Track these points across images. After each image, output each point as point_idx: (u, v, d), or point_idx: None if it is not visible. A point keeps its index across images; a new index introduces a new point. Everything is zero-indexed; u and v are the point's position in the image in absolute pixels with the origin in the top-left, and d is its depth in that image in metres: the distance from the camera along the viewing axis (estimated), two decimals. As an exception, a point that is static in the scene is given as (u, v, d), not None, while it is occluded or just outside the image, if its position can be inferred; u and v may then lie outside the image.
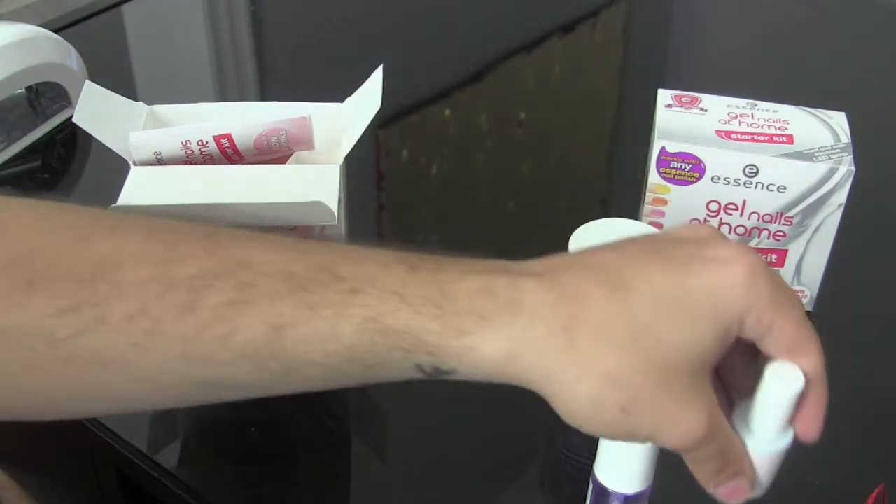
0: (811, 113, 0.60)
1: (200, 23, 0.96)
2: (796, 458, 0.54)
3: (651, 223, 0.60)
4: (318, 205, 0.50)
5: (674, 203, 0.59)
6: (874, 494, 0.48)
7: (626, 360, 0.35)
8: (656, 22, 0.74)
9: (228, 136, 0.54)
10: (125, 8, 0.94)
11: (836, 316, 0.63)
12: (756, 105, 0.61)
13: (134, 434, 0.53)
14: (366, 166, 0.76)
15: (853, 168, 0.56)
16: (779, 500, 0.52)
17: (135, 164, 0.54)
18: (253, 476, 0.53)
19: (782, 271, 0.60)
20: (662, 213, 0.60)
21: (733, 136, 0.58)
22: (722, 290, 0.36)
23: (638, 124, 0.78)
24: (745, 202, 0.58)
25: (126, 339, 0.35)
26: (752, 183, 0.57)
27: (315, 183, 0.53)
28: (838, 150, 0.57)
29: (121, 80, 0.84)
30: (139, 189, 0.52)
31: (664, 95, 0.61)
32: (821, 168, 0.56)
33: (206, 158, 0.55)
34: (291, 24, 0.94)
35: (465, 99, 0.85)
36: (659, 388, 0.35)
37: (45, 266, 0.36)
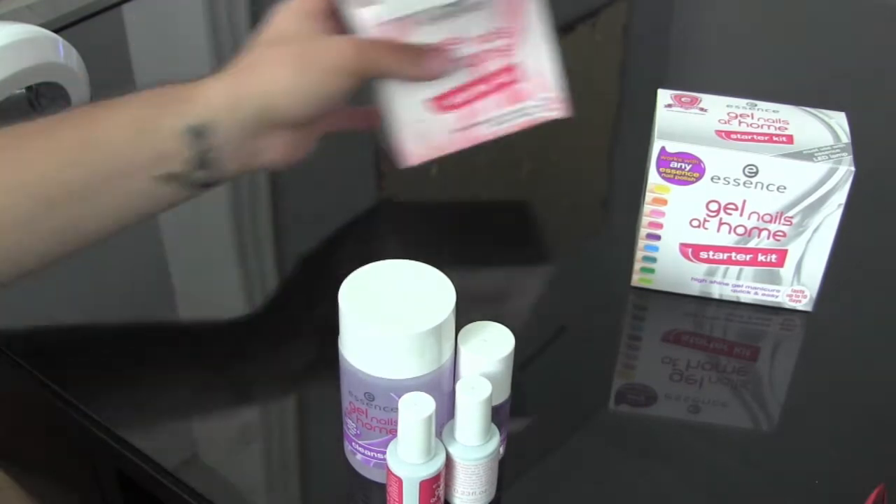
0: (811, 113, 0.60)
1: (200, 23, 0.96)
2: (796, 457, 0.54)
3: (651, 223, 0.60)
4: None
5: (673, 203, 0.59)
6: (874, 494, 0.48)
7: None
8: (656, 22, 0.74)
9: None
10: (125, 8, 0.94)
11: (837, 316, 0.63)
12: (756, 105, 0.61)
13: (134, 434, 0.53)
14: (366, 166, 0.76)
15: (853, 168, 0.56)
16: (779, 499, 0.52)
17: None
18: (253, 476, 0.53)
19: (782, 271, 0.60)
20: (662, 213, 0.60)
21: (733, 136, 0.58)
22: None
23: (638, 124, 0.78)
24: (744, 202, 0.58)
25: None
26: (751, 183, 0.57)
27: None
28: (838, 150, 0.57)
29: (121, 80, 0.84)
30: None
31: (664, 95, 0.61)
32: (821, 168, 0.56)
33: None
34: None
35: (465, 99, 0.85)
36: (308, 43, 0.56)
37: None
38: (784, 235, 0.59)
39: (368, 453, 0.49)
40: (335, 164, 0.74)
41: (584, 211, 0.73)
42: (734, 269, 0.61)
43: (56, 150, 0.52)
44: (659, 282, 0.63)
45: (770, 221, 0.59)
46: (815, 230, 0.58)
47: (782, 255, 0.60)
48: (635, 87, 0.86)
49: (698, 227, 0.60)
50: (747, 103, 0.61)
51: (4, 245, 0.51)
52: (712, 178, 0.58)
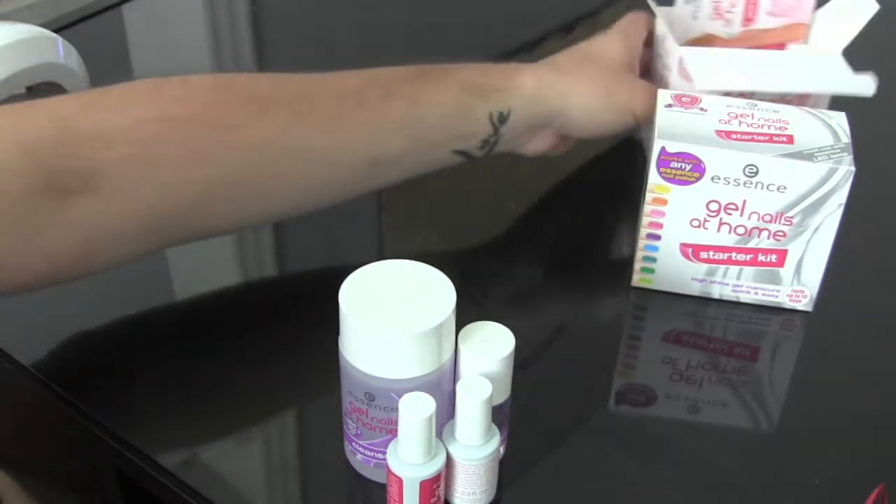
0: (811, 113, 0.60)
1: (200, 23, 0.96)
2: (796, 457, 0.54)
3: (651, 223, 0.60)
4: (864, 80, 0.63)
5: (673, 203, 0.59)
6: (874, 494, 0.48)
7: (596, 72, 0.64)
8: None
9: None
10: (125, 8, 0.94)
11: (837, 316, 0.63)
12: (756, 105, 0.61)
13: (134, 434, 0.53)
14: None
15: (853, 168, 0.56)
16: (779, 499, 0.52)
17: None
18: (253, 476, 0.53)
19: (782, 271, 0.60)
20: (662, 213, 0.60)
21: (733, 136, 0.58)
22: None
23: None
24: (745, 202, 0.58)
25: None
26: (752, 183, 0.57)
27: (831, 67, 0.66)
28: (838, 150, 0.57)
29: (121, 80, 0.84)
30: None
31: (664, 95, 0.61)
32: (821, 168, 0.56)
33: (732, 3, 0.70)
34: (291, 24, 0.94)
35: (465, 99, 0.85)
36: (620, 76, 0.65)
37: (266, 97, 0.55)
38: (784, 235, 0.59)
39: (368, 453, 0.49)
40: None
41: (585, 211, 0.73)
42: (734, 269, 0.61)
43: (386, 120, 0.57)
44: (659, 282, 0.63)
45: (770, 221, 0.59)
46: (816, 230, 0.58)
47: (782, 255, 0.60)
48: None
49: (698, 227, 0.60)
50: (747, 103, 0.61)
51: (322, 193, 0.58)
52: (712, 179, 0.58)
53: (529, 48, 0.91)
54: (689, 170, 0.58)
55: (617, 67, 0.65)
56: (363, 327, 0.46)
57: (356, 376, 0.47)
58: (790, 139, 0.58)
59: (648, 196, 0.59)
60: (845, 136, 0.59)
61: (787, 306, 0.62)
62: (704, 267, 0.61)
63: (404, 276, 0.48)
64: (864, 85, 0.64)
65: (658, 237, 0.61)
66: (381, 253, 0.69)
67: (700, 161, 0.57)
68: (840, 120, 0.60)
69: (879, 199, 0.71)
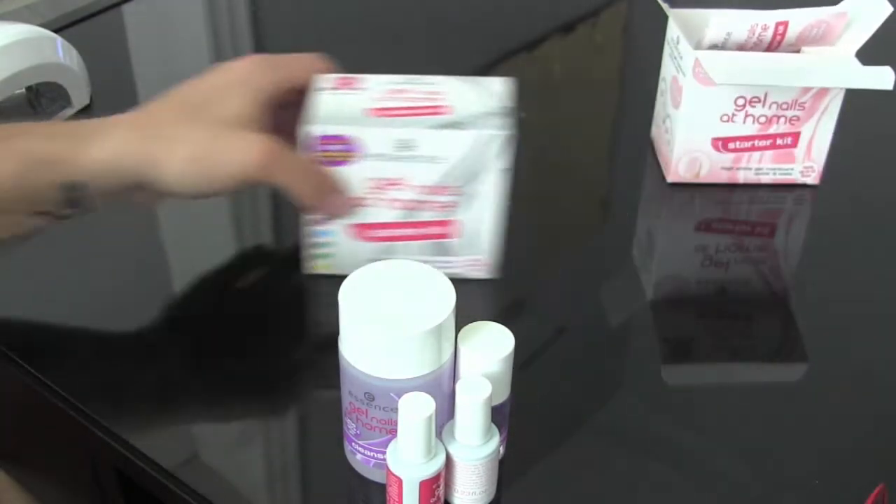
0: (473, 82, 0.60)
1: (200, 23, 0.96)
2: (796, 457, 0.54)
3: None
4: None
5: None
6: (874, 494, 0.48)
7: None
8: (656, 22, 0.74)
9: (786, 24, 0.67)
10: (125, 8, 0.94)
11: (837, 316, 0.63)
12: (416, 79, 0.60)
13: (134, 434, 0.53)
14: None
15: (511, 133, 0.56)
16: (779, 499, 0.52)
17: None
18: (253, 476, 0.53)
19: (454, 242, 0.60)
20: None
21: (388, 112, 0.57)
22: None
23: (638, 124, 0.78)
24: (405, 176, 0.58)
25: None
26: (410, 157, 0.57)
27: (847, 64, 0.67)
28: (495, 117, 0.57)
29: (121, 80, 0.84)
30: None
31: (323, 80, 0.60)
32: (477, 135, 0.56)
33: (757, 42, 0.68)
34: (291, 24, 0.94)
35: (465, 99, 0.85)
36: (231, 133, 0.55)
37: None
38: (452, 206, 0.58)
39: (368, 453, 0.49)
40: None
41: (584, 210, 0.73)
42: (409, 244, 0.60)
43: None
44: (337, 265, 0.61)
45: (434, 193, 0.58)
46: (482, 197, 0.58)
47: (455, 225, 0.59)
48: (635, 87, 0.86)
49: (366, 207, 0.59)
50: (406, 78, 0.60)
51: None
52: (369, 156, 0.57)
53: (529, 48, 0.91)
54: (342, 150, 0.57)
55: (232, 122, 0.55)
56: (363, 327, 0.46)
57: (356, 376, 0.47)
58: (448, 110, 0.57)
59: None
60: (504, 102, 0.58)
61: (470, 276, 0.61)
62: (383, 245, 0.60)
63: (404, 276, 0.48)
64: (883, 78, 0.64)
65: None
66: (381, 253, 0.69)
67: (352, 141, 0.56)
68: (500, 86, 0.59)
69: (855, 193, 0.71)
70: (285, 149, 0.55)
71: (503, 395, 0.49)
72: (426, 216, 0.59)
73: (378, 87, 0.59)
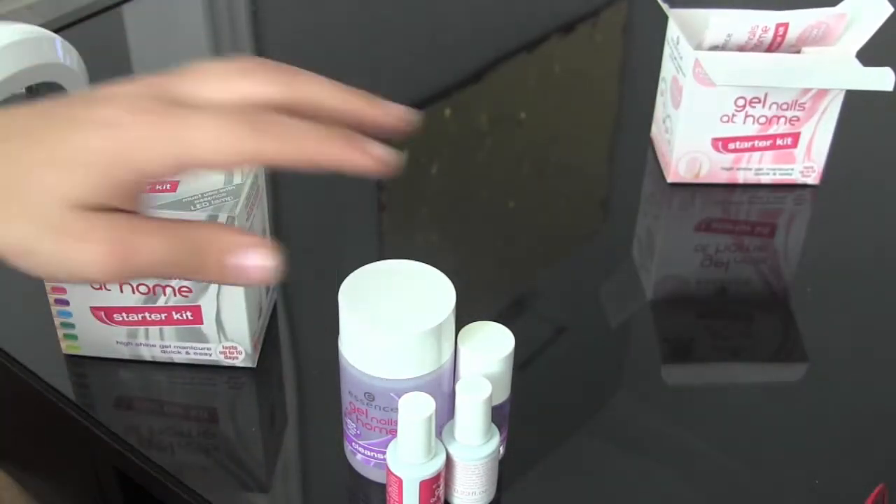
0: None
1: (200, 23, 0.96)
2: (796, 457, 0.54)
3: (54, 288, 0.55)
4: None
5: None
6: (874, 494, 0.48)
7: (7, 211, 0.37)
8: (656, 22, 0.74)
9: (786, 25, 0.67)
10: (125, 8, 0.94)
11: (837, 316, 0.63)
12: None
13: (134, 434, 0.53)
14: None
15: (236, 215, 0.51)
16: (779, 499, 0.52)
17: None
18: (253, 476, 0.53)
19: (203, 328, 0.55)
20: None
21: None
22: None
23: (638, 124, 0.78)
24: None
25: None
26: None
27: (847, 64, 0.67)
28: (224, 195, 0.52)
29: (121, 80, 0.84)
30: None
31: None
32: (197, 217, 0.51)
33: (757, 43, 0.67)
34: (291, 24, 0.94)
35: (466, 99, 0.85)
36: (46, 231, 0.37)
37: None
38: (188, 291, 0.54)
39: (368, 453, 0.49)
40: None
41: (584, 210, 0.73)
42: (156, 329, 0.56)
43: None
44: (87, 347, 0.57)
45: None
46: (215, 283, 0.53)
47: (197, 311, 0.55)
48: (635, 87, 0.86)
49: (100, 289, 0.54)
50: None
51: None
52: None
53: (529, 48, 0.91)
54: None
55: (64, 210, 0.37)
56: (363, 327, 0.46)
57: (356, 376, 0.47)
58: (174, 186, 0.52)
59: None
60: (241, 176, 0.53)
61: (223, 363, 0.57)
62: (124, 329, 0.56)
63: (404, 276, 0.48)
64: (883, 79, 0.64)
65: (66, 302, 0.55)
66: (381, 253, 0.69)
67: None
68: None
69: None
70: (136, 231, 0.38)
71: (503, 395, 0.49)
72: (167, 301, 0.54)
73: None
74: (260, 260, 0.38)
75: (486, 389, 0.46)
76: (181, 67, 0.41)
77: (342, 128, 0.39)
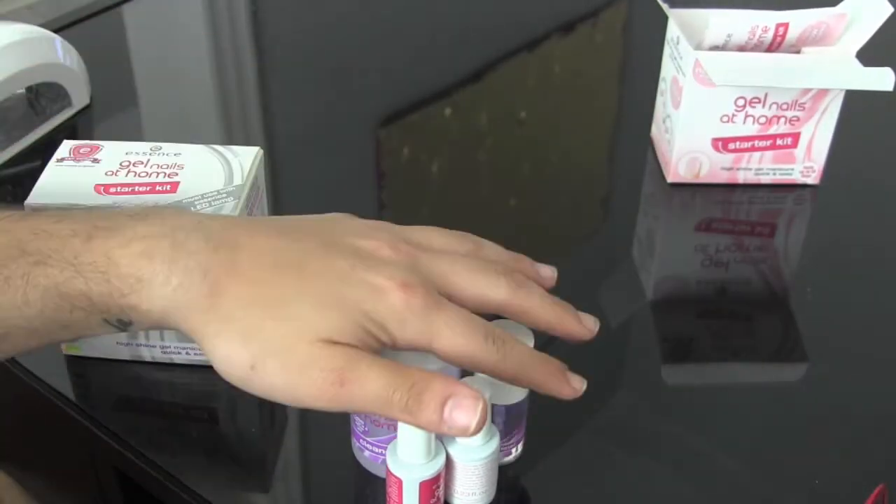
0: (217, 152, 0.55)
1: (200, 23, 0.96)
2: (796, 457, 0.54)
3: None
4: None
5: None
6: (874, 494, 0.48)
7: (260, 323, 0.41)
8: (656, 22, 0.74)
9: (786, 25, 0.66)
10: (125, 8, 0.94)
11: (837, 316, 0.63)
12: (160, 148, 0.55)
13: (134, 434, 0.53)
14: (366, 165, 0.76)
15: (237, 214, 0.51)
16: (779, 499, 0.52)
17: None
18: (256, 474, 0.53)
19: None
20: None
21: (113, 189, 0.52)
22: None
23: (638, 124, 0.78)
24: None
25: None
26: None
27: (847, 65, 0.67)
28: (224, 196, 0.52)
29: (121, 80, 0.84)
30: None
31: (63, 148, 0.56)
32: None
33: (757, 43, 0.67)
34: (291, 24, 0.94)
35: (466, 98, 0.85)
36: (284, 351, 0.41)
37: None
38: None
39: (376, 450, 0.49)
40: (335, 163, 0.74)
41: (584, 210, 0.73)
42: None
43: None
44: (87, 348, 0.57)
45: None
46: None
47: None
48: (635, 86, 0.86)
49: None
50: (151, 147, 0.55)
51: None
52: None
53: (529, 48, 0.91)
54: None
55: (313, 341, 0.41)
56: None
57: None
58: (174, 187, 0.52)
59: None
60: (241, 177, 0.53)
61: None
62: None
63: None
64: (883, 79, 0.64)
65: None
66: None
67: None
68: (246, 158, 0.54)
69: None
70: (361, 361, 0.41)
71: (519, 394, 0.49)
72: None
73: (113, 158, 0.54)
74: (474, 417, 0.42)
75: (486, 389, 0.46)
76: (425, 233, 0.49)
77: (549, 358, 0.47)
